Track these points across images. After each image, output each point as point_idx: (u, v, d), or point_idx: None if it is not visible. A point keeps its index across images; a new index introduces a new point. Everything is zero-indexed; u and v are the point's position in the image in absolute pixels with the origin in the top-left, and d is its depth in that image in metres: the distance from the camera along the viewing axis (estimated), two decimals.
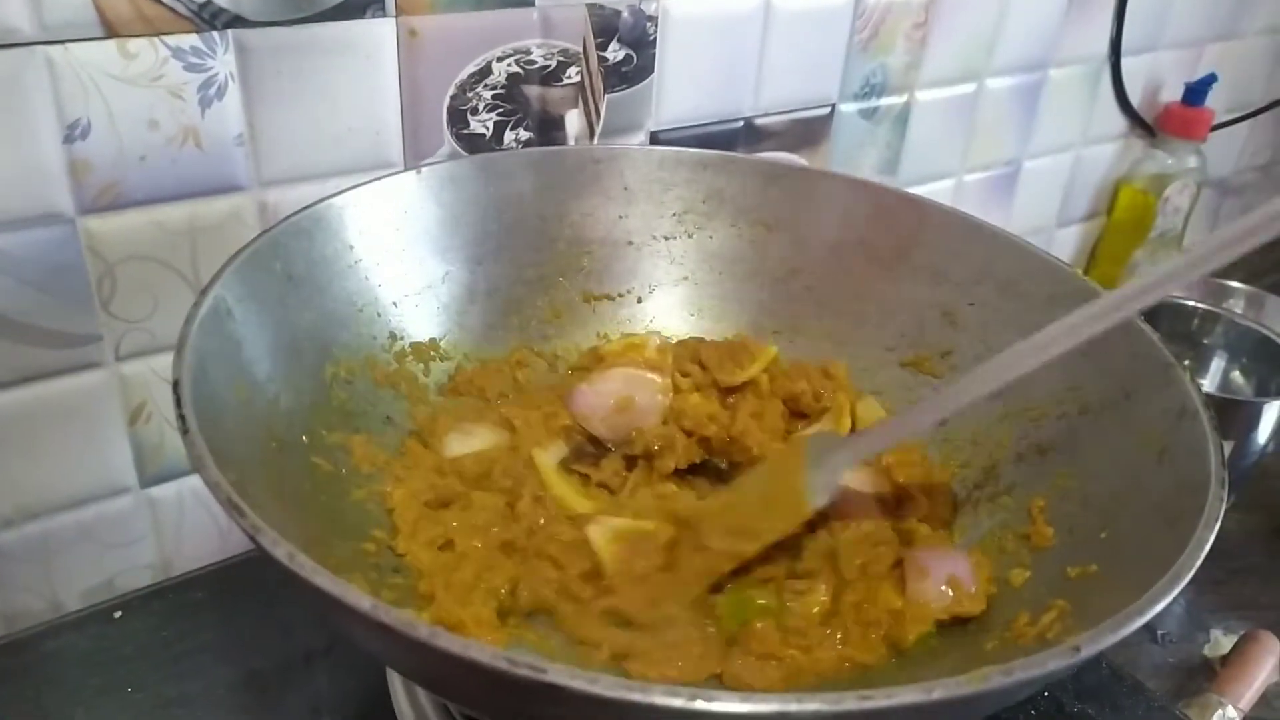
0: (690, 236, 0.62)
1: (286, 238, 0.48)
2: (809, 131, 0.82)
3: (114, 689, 0.52)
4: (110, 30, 0.50)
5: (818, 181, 0.62)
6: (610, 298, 0.61)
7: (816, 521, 0.48)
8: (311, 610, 0.36)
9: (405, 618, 0.27)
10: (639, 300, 0.62)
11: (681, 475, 0.53)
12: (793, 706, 0.26)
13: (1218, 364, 0.87)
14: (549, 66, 0.66)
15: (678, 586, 0.45)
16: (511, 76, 0.64)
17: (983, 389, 0.42)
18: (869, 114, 0.85)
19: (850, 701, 0.26)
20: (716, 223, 0.62)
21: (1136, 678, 0.58)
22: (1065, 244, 1.13)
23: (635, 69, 0.70)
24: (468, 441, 0.52)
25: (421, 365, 0.54)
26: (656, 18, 0.69)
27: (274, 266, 0.47)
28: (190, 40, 0.52)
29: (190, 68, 0.53)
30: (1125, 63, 1.01)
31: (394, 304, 0.54)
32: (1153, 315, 0.83)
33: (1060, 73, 0.97)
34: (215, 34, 0.53)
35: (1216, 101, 1.05)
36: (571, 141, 0.69)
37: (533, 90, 0.66)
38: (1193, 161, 1.07)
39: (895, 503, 0.51)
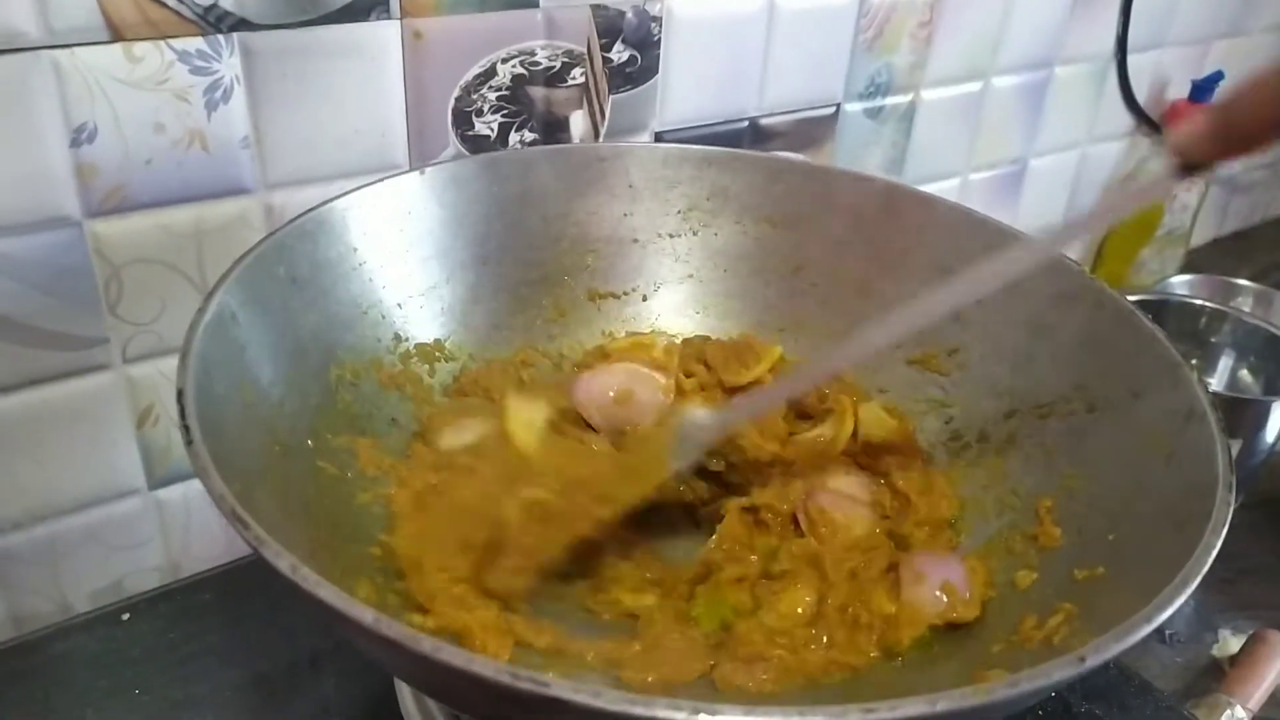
0: (695, 234, 0.62)
1: (290, 241, 0.48)
2: (814, 131, 0.82)
3: (122, 691, 0.53)
4: (116, 34, 0.50)
5: (823, 178, 0.62)
6: (615, 296, 0.61)
7: (800, 523, 0.49)
8: (315, 620, 0.36)
9: (408, 631, 0.27)
10: (644, 298, 0.62)
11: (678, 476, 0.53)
12: (795, 718, 0.26)
13: (1225, 362, 0.87)
14: (553, 68, 0.66)
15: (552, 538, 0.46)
16: (516, 78, 0.64)
17: (851, 355, 0.45)
18: (874, 113, 0.85)
19: (854, 714, 0.26)
20: (721, 220, 0.62)
21: (1144, 678, 0.58)
22: (1072, 242, 1.13)
23: (640, 70, 0.70)
24: (461, 435, 0.51)
25: (427, 366, 0.55)
26: (661, 18, 0.69)
27: (278, 270, 0.47)
28: (196, 43, 0.52)
29: (196, 71, 0.53)
30: (1131, 60, 1.01)
31: (398, 305, 0.54)
32: (1160, 314, 0.84)
33: (1066, 71, 0.97)
34: (220, 37, 0.53)
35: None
36: (576, 142, 0.69)
37: (537, 91, 0.66)
38: None
39: (892, 506, 0.51)
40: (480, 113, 0.64)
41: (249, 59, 0.54)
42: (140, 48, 0.51)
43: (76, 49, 0.49)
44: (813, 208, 0.60)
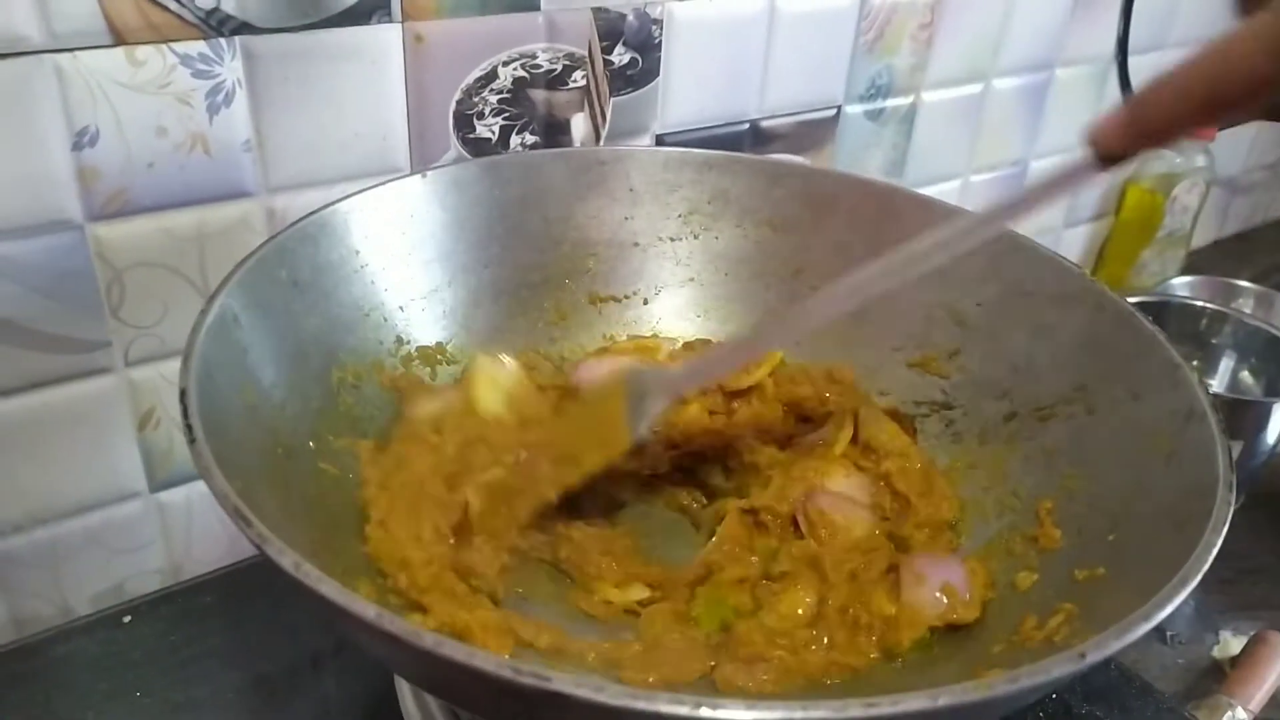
0: (696, 237, 0.62)
1: (292, 244, 0.48)
2: (814, 133, 0.82)
3: (123, 693, 0.53)
4: (118, 38, 0.50)
5: (823, 181, 0.62)
6: (616, 299, 0.61)
7: (800, 524, 0.49)
8: (318, 618, 0.36)
9: (410, 627, 0.27)
10: (645, 302, 0.62)
11: (676, 481, 0.54)
12: (798, 714, 0.26)
13: (1226, 364, 0.87)
14: (554, 70, 0.66)
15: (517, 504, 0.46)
16: (517, 81, 0.65)
17: (800, 325, 0.45)
18: (875, 115, 0.85)
19: (855, 709, 0.26)
20: (722, 224, 0.62)
21: (1145, 679, 0.58)
22: (1073, 244, 1.13)
23: (641, 72, 0.70)
24: (430, 404, 0.51)
25: (428, 369, 0.55)
26: (662, 21, 0.69)
27: (280, 273, 0.47)
28: (198, 47, 0.53)
29: (198, 74, 0.53)
30: (1132, 62, 1.01)
31: (400, 308, 0.54)
32: (1161, 315, 0.84)
33: (1067, 72, 0.97)
34: (222, 41, 0.53)
35: None
36: (577, 145, 0.69)
37: (538, 94, 0.66)
38: (1201, 160, 1.07)
39: (892, 508, 0.51)
40: (481, 115, 0.64)
41: (251, 62, 0.54)
42: (142, 51, 0.51)
43: (78, 53, 0.50)
44: (813, 211, 0.60)
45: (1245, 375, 0.86)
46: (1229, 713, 0.62)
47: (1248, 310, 1.01)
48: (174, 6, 0.51)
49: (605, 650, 0.42)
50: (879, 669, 0.43)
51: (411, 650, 0.27)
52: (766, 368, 0.57)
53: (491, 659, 0.26)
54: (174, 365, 0.58)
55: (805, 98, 0.80)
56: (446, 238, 0.56)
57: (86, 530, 0.60)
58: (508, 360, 0.54)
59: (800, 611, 0.45)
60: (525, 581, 0.47)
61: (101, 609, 0.58)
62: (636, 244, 0.61)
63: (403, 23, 0.59)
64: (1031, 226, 1.03)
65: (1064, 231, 1.11)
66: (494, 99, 0.64)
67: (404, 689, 0.51)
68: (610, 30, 0.67)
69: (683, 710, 0.26)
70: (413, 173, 0.56)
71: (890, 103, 0.85)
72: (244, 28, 0.54)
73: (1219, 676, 0.66)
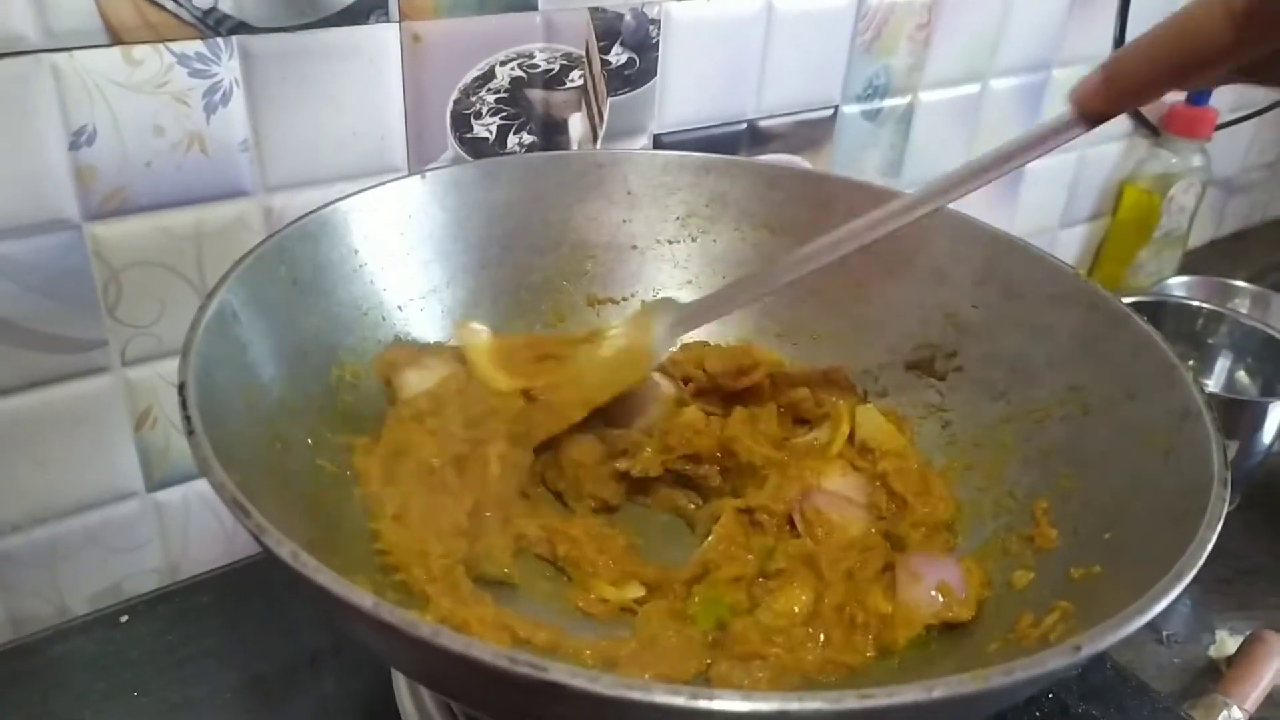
0: (694, 240, 0.62)
1: (292, 242, 0.48)
2: (812, 133, 0.82)
3: (120, 693, 0.53)
4: (115, 37, 0.50)
5: (821, 184, 0.62)
6: (614, 301, 0.61)
7: (796, 523, 0.49)
8: (315, 610, 0.36)
9: (408, 617, 0.27)
10: (643, 304, 0.62)
11: (673, 482, 0.54)
12: (793, 705, 0.26)
13: (1223, 364, 0.87)
14: (552, 70, 0.66)
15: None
16: (515, 80, 0.65)
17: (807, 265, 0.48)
18: (872, 115, 0.85)
19: (851, 700, 0.26)
20: (720, 226, 0.62)
21: (1141, 678, 0.58)
22: (1070, 244, 1.13)
23: (638, 72, 0.70)
24: (423, 378, 0.51)
25: None
26: (659, 21, 0.69)
27: (279, 271, 0.47)
28: (195, 46, 0.53)
29: (195, 74, 0.53)
30: None
31: (399, 308, 0.54)
32: (1157, 315, 0.84)
33: (1064, 73, 0.97)
34: (220, 40, 0.53)
35: (1221, 100, 1.05)
36: (575, 145, 0.69)
37: (536, 94, 0.66)
38: (1197, 161, 1.07)
39: (888, 508, 0.51)
40: (479, 115, 0.64)
41: (248, 62, 0.55)
42: (139, 51, 0.51)
43: (76, 52, 0.50)
44: (811, 214, 0.60)
45: (1241, 375, 0.86)
46: (1225, 712, 0.62)
47: (1244, 310, 1.02)
48: (171, 6, 0.51)
49: (602, 648, 0.42)
50: (875, 667, 0.43)
51: (408, 640, 0.27)
52: (764, 369, 0.57)
53: (488, 649, 0.26)
54: (171, 365, 0.58)
55: (803, 98, 0.80)
56: (445, 238, 0.56)
57: (84, 530, 0.60)
58: (479, 327, 0.54)
59: (796, 610, 0.45)
60: (523, 579, 0.47)
61: (99, 608, 0.58)
62: (634, 246, 0.62)
63: (400, 22, 0.59)
64: (1028, 226, 1.03)
65: (1060, 232, 1.11)
66: (491, 99, 0.64)
67: (401, 688, 0.51)
68: (608, 30, 0.67)
69: (678, 700, 0.26)
70: (412, 173, 0.56)
71: (887, 103, 0.85)
72: (241, 27, 0.54)
73: (1215, 676, 0.67)
